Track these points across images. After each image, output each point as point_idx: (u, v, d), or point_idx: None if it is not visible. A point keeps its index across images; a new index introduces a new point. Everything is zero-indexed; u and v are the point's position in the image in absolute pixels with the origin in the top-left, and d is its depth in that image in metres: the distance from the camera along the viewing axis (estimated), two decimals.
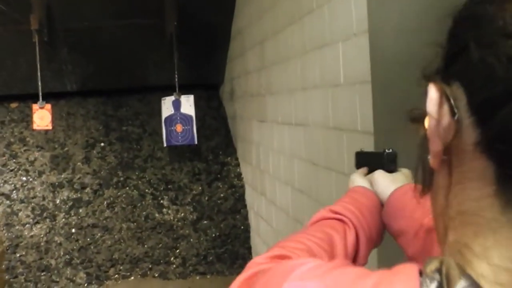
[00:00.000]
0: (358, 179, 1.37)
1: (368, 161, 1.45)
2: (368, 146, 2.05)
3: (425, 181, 0.64)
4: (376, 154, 1.46)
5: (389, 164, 1.36)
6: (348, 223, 1.18)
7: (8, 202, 5.03)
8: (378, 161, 1.38)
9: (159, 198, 5.16)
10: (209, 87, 5.60)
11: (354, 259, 1.15)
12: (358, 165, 1.50)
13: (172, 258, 5.05)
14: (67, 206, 5.05)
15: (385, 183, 1.31)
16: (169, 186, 5.19)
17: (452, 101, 0.55)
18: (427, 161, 0.60)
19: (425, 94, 0.58)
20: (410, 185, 1.28)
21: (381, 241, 1.29)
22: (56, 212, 5.03)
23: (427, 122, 0.59)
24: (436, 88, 0.57)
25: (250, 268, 0.83)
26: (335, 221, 1.19)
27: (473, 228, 0.55)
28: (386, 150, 1.37)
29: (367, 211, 1.24)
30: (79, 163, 5.17)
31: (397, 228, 1.23)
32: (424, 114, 0.59)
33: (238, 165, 5.27)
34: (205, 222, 5.12)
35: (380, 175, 1.34)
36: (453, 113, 0.55)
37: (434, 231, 1.11)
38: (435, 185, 0.62)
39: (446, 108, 0.56)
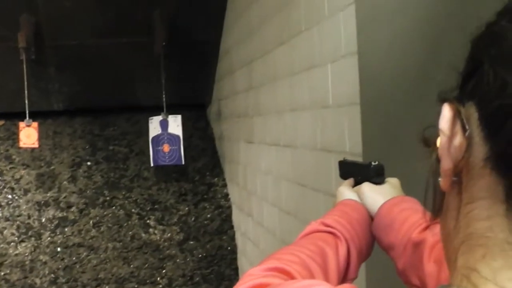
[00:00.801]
0: (347, 192, 1.37)
1: (354, 172, 1.45)
2: None
3: (435, 204, 0.62)
4: (361, 166, 1.45)
5: (376, 176, 1.35)
6: (339, 237, 1.18)
7: None
8: (364, 173, 1.38)
9: (146, 218, 5.13)
10: (196, 107, 5.60)
11: (345, 273, 1.16)
12: (343, 175, 1.50)
13: (158, 279, 5.01)
14: (52, 225, 5.01)
15: (373, 196, 1.31)
16: (155, 206, 5.16)
17: (464, 118, 0.55)
18: (438, 183, 0.59)
19: (438, 114, 0.58)
20: (398, 198, 1.29)
21: (370, 254, 1.30)
22: (42, 231, 4.98)
23: (438, 142, 0.58)
24: (450, 107, 0.57)
25: (246, 282, 0.82)
26: (327, 234, 1.19)
27: (482, 250, 0.53)
28: (373, 163, 1.36)
29: (358, 225, 1.25)
30: (65, 182, 5.13)
31: (387, 242, 1.24)
32: (436, 134, 0.58)
33: (225, 185, 5.25)
34: (192, 242, 5.09)
35: (367, 188, 1.34)
36: (464, 130, 0.55)
37: (421, 246, 1.13)
38: (445, 207, 0.60)
39: (458, 126, 0.55)
